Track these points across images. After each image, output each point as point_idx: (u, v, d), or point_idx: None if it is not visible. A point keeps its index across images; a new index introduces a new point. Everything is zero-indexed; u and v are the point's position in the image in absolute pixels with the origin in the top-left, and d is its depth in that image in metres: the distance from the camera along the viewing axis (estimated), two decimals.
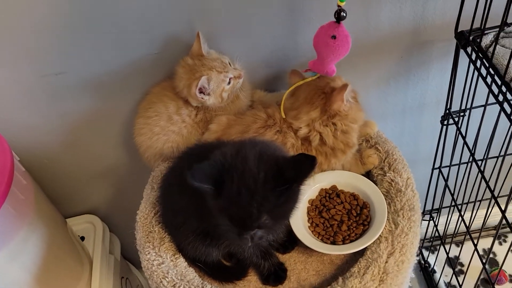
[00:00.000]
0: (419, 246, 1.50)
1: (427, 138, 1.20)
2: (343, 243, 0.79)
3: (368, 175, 0.89)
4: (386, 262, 0.73)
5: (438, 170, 1.15)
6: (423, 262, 1.48)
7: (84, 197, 1.26)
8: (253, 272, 0.82)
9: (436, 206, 1.28)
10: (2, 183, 0.84)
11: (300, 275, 0.80)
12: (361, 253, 0.77)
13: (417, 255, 1.47)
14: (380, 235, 0.77)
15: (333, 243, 0.80)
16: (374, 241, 0.76)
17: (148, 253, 0.81)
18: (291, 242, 0.83)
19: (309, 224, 0.84)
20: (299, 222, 0.82)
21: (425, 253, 1.49)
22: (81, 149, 1.11)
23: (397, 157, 0.87)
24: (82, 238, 1.26)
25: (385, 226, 0.78)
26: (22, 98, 0.96)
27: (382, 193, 0.83)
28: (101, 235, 1.26)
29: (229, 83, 0.88)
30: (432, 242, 1.51)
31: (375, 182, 0.86)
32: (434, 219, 1.32)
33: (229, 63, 0.89)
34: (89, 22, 0.86)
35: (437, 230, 1.34)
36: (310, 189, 0.86)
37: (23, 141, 1.04)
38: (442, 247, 1.32)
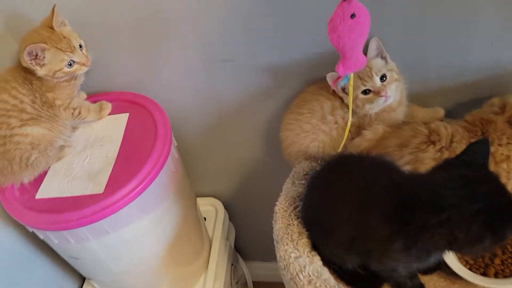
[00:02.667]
0: None
1: None
2: (495, 277, 0.74)
3: None
4: None
5: None
6: None
7: (213, 181, 1.32)
8: (387, 286, 0.80)
9: None
10: (162, 154, 0.91)
11: None
12: None
13: None
14: None
15: (483, 274, 0.75)
16: None
17: (286, 245, 0.82)
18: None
19: None
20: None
21: None
22: (223, 135, 1.17)
23: None
24: (204, 219, 1.33)
25: None
26: (186, 79, 1.04)
27: None
28: (222, 220, 1.32)
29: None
30: None
31: None
32: None
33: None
34: (262, 17, 0.90)
35: None
36: None
37: (175, 118, 1.12)
38: None
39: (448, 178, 0.63)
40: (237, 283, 1.43)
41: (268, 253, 1.47)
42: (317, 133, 0.93)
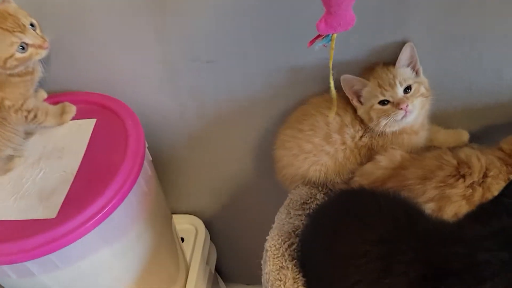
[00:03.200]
0: None
1: None
2: None
3: None
4: None
5: None
6: None
7: (193, 197, 1.17)
8: None
9: None
10: (132, 171, 0.76)
11: None
12: None
13: None
14: None
15: None
16: None
17: None
18: None
19: None
20: None
21: None
22: (207, 146, 1.01)
23: None
24: (181, 240, 1.17)
25: None
26: (166, 81, 0.88)
27: None
28: (202, 242, 1.16)
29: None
30: None
31: None
32: None
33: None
34: (258, 14, 0.75)
35: None
36: None
37: (152, 126, 0.96)
38: None
39: (485, 234, 0.48)
40: None
41: (252, 276, 1.32)
42: (319, 155, 0.78)
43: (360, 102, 0.75)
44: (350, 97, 0.75)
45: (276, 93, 0.86)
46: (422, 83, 0.72)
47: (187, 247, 1.15)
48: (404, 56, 0.71)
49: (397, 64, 0.72)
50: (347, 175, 0.79)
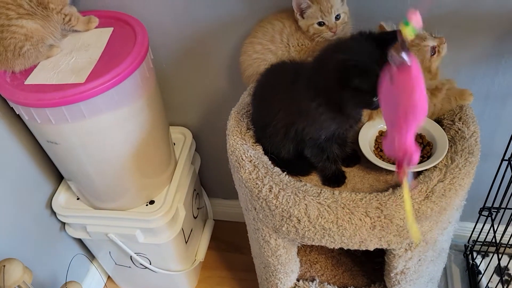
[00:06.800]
0: (470, 247, 1.52)
1: (504, 131, 1.24)
2: None
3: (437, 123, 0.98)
4: (435, 185, 0.83)
5: (507, 162, 1.19)
6: (470, 261, 1.50)
7: (183, 110, 1.45)
8: (315, 174, 0.95)
9: (497, 205, 1.30)
10: (138, 57, 1.06)
11: (355, 185, 0.92)
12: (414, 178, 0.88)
13: (466, 255, 1.50)
14: (435, 166, 0.86)
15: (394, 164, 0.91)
16: (429, 169, 0.86)
17: (235, 135, 0.97)
18: (354, 158, 0.95)
19: (374, 148, 0.95)
20: (366, 144, 0.94)
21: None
22: (197, 63, 1.30)
23: (469, 113, 0.96)
24: (173, 144, 1.46)
25: (442, 160, 0.87)
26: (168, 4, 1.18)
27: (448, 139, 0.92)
28: (189, 145, 1.45)
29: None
30: (481, 247, 1.50)
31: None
32: (493, 217, 1.34)
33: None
34: None
35: (494, 231, 1.33)
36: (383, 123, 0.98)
37: (154, 41, 1.26)
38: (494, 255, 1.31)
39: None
40: (198, 208, 1.58)
41: (229, 191, 1.59)
42: (265, 53, 1.06)
43: (302, 16, 1.04)
44: (295, 11, 1.03)
45: (252, 13, 1.13)
46: (346, 13, 1.01)
47: (177, 149, 1.45)
48: None
49: None
50: None
